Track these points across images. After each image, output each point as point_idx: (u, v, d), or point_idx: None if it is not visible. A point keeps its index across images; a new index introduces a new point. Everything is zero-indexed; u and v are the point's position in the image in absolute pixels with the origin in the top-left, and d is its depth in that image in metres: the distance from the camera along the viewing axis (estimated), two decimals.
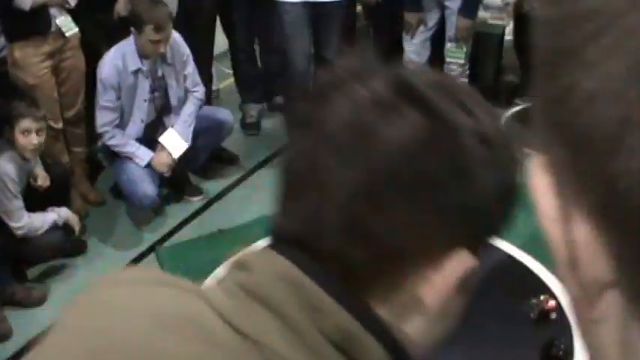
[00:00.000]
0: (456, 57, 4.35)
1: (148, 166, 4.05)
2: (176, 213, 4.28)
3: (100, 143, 4.13)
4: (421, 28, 4.39)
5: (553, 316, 3.26)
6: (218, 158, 4.67)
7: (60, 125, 4.02)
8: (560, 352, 3.08)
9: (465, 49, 4.34)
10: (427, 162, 0.64)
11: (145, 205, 4.05)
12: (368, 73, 0.68)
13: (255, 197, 4.36)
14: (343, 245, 0.66)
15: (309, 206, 0.68)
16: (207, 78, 4.66)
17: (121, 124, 4.05)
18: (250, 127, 5.11)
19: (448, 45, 4.36)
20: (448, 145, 0.65)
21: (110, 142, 4.02)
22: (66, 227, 3.72)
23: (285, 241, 0.69)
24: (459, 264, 0.67)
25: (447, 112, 0.65)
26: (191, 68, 4.14)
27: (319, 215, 0.67)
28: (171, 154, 4.07)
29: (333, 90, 0.68)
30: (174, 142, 4.08)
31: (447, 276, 0.67)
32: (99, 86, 3.92)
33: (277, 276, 0.66)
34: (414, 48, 4.43)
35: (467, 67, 4.42)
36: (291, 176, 0.71)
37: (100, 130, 4.00)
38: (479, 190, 0.67)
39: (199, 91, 4.20)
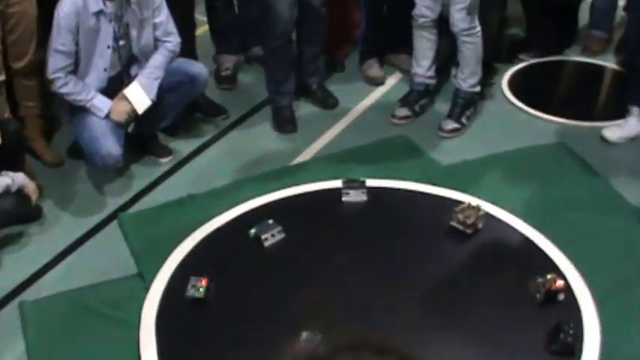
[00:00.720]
0: None
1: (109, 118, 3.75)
2: (142, 176, 3.97)
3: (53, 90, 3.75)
4: None
5: (561, 297, 2.99)
6: (198, 109, 4.38)
7: (2, 77, 3.68)
8: (569, 338, 2.78)
9: None
10: None
11: (108, 165, 3.72)
12: None
13: (230, 159, 4.09)
14: None
15: None
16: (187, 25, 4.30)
17: (81, 73, 3.72)
18: (225, 81, 4.79)
19: None
20: None
21: (62, 90, 3.68)
22: (20, 194, 3.45)
23: None
24: None
25: None
26: (164, 16, 3.81)
27: None
28: (131, 103, 3.76)
29: None
30: (138, 96, 3.76)
31: None
32: (54, 27, 3.57)
33: None
34: (427, 3, 4.05)
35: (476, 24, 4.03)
36: None
37: (51, 76, 3.65)
38: None
39: (172, 41, 3.87)
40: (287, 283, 3.13)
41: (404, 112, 4.29)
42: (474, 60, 4.14)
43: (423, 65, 4.27)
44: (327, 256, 3.26)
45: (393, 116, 4.28)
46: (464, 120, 4.21)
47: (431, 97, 4.38)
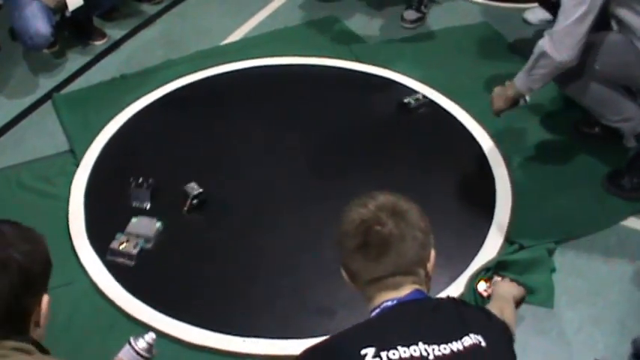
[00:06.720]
0: None
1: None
2: (77, 57, 4.00)
3: None
4: None
5: None
6: None
7: None
8: None
9: None
10: None
11: (38, 44, 3.72)
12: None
13: (163, 40, 4.12)
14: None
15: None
16: None
17: None
18: None
19: None
20: None
21: None
22: None
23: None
24: None
25: None
26: None
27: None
28: None
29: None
30: None
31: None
32: None
33: None
34: None
35: None
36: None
37: None
38: None
39: None
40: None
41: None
42: None
43: None
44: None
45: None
46: (423, 9, 4.18)
47: None
